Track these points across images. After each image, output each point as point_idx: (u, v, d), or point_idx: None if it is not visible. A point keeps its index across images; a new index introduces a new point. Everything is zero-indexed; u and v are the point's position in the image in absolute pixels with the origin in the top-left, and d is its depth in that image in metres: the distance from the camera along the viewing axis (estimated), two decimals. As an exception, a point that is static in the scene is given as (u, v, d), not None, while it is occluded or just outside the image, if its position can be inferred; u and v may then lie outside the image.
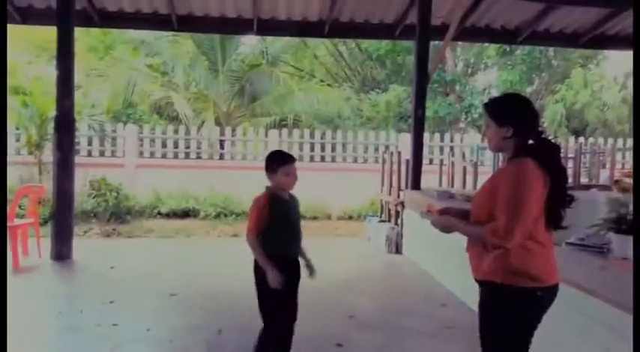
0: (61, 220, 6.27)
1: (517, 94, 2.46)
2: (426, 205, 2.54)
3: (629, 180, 2.82)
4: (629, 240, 2.72)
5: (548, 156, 2.11)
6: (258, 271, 2.99)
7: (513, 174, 2.08)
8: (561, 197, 2.13)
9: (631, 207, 2.74)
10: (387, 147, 10.95)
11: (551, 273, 2.16)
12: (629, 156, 11.89)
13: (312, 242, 8.32)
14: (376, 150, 11.29)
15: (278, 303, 2.97)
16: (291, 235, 3.04)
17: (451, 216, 2.34)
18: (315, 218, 9.54)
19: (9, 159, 9.68)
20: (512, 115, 2.15)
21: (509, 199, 2.03)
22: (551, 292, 2.17)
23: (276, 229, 2.94)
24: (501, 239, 2.03)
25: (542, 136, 2.16)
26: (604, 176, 8.86)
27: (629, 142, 12.06)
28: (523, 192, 2.01)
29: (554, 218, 2.13)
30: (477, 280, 2.24)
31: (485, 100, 2.36)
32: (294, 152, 11.05)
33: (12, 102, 10.00)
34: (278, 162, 2.94)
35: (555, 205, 2.11)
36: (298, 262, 3.11)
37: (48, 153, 8.92)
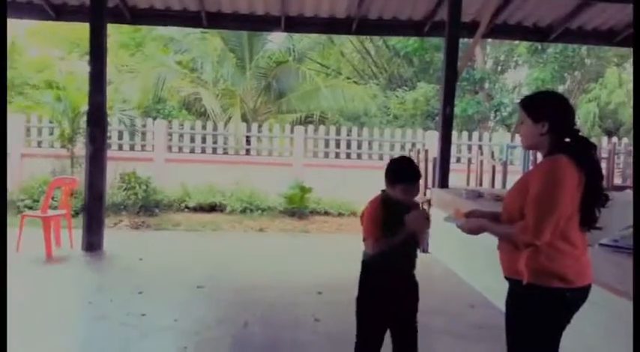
0: (92, 212, 6.42)
1: (554, 91, 2.44)
2: (453, 210, 2.51)
3: (667, 181, 2.74)
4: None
5: (584, 153, 2.06)
6: (365, 282, 2.68)
7: (546, 171, 2.04)
8: (596, 196, 2.08)
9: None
10: (413, 145, 10.86)
11: (583, 275, 2.10)
12: (665, 157, 11.52)
13: (339, 238, 8.38)
14: (402, 147, 11.21)
15: (380, 325, 2.64)
16: (403, 245, 2.55)
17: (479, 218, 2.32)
18: (340, 215, 9.54)
19: (43, 151, 10.01)
20: (549, 111, 2.10)
21: (539, 196, 1.99)
22: (581, 293, 2.11)
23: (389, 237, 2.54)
24: (531, 236, 2.00)
25: (579, 134, 2.11)
26: (638, 177, 8.61)
27: (665, 143, 11.69)
28: (555, 189, 1.97)
29: (588, 217, 2.08)
30: (506, 278, 2.20)
31: (517, 99, 2.34)
32: (320, 149, 11.08)
33: (46, 96, 10.30)
34: (399, 177, 2.57)
35: (590, 204, 2.06)
36: (414, 278, 2.70)
37: (80, 147, 9.15)
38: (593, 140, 11.70)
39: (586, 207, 2.05)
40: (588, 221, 2.10)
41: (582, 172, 2.02)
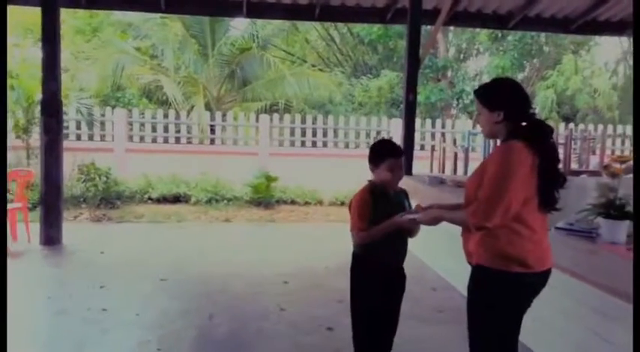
0: (50, 205, 6.21)
1: (506, 78, 2.48)
2: (415, 207, 2.56)
3: (619, 165, 2.82)
4: (618, 225, 2.74)
5: (540, 137, 2.11)
6: (355, 273, 2.64)
7: (499, 156, 2.09)
8: (554, 178, 2.13)
9: (620, 192, 2.75)
10: (378, 133, 10.94)
11: (543, 260, 2.14)
12: (619, 142, 12.00)
13: (305, 227, 8.37)
14: (368, 135, 11.27)
15: (371, 314, 2.60)
16: (393, 238, 2.52)
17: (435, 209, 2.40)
18: (306, 203, 9.54)
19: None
20: (502, 99, 2.16)
21: (491, 180, 2.04)
22: (541, 278, 2.16)
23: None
24: (480, 219, 2.05)
25: (535, 118, 2.17)
26: (594, 162, 8.93)
27: (619, 129, 12.15)
28: (506, 173, 2.02)
29: (547, 199, 2.12)
30: (469, 263, 2.25)
31: (476, 87, 2.36)
32: (285, 138, 11.02)
33: (-2, 85, 9.84)
34: (382, 154, 2.56)
35: (548, 186, 2.11)
36: (403, 271, 2.69)
37: (36, 137, 8.81)
38: (552, 125, 12.11)
39: (544, 189, 2.09)
40: (548, 202, 2.14)
41: (537, 156, 2.06)
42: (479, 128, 2.30)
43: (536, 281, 2.15)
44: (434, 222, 2.33)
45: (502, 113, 2.13)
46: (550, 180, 2.11)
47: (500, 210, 2.02)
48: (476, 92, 2.24)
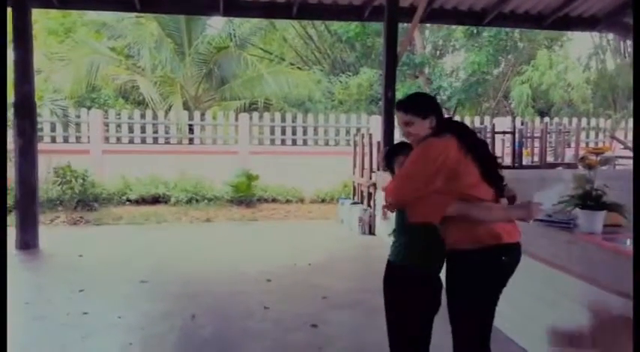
0: (25, 208, 6.09)
1: (421, 92, 2.73)
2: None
3: (594, 157, 2.88)
4: (594, 215, 2.79)
5: (466, 129, 2.38)
6: (393, 280, 2.42)
7: (419, 150, 2.29)
8: (489, 158, 2.34)
9: (596, 183, 2.80)
10: (358, 130, 10.97)
11: (509, 233, 2.26)
12: (593, 135, 12.26)
13: (287, 225, 8.36)
14: (347, 132, 11.30)
15: (412, 329, 2.39)
16: (436, 243, 2.31)
17: None
18: (288, 201, 9.53)
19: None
20: (432, 106, 2.38)
21: (406, 167, 2.29)
22: (514, 251, 2.28)
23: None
24: (387, 195, 2.28)
25: (448, 118, 2.50)
26: (569, 155, 9.10)
27: (593, 122, 12.42)
28: (418, 162, 2.25)
29: (492, 178, 2.29)
30: (449, 251, 2.33)
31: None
32: (265, 136, 10.98)
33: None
34: (397, 151, 2.55)
35: (486, 166, 2.28)
36: (441, 281, 2.42)
37: (9, 140, 8.60)
38: (527, 120, 12.24)
39: (485, 169, 2.27)
40: (495, 181, 2.30)
41: (466, 145, 2.25)
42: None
43: (510, 254, 2.27)
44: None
45: (434, 118, 2.34)
46: (487, 161, 2.30)
47: (408, 187, 2.24)
48: (405, 106, 2.38)
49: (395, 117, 2.53)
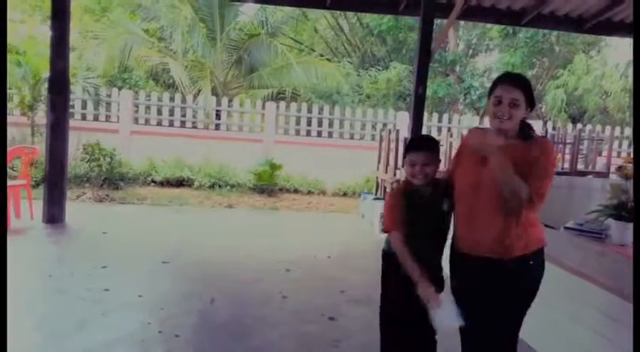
0: (54, 183, 6.20)
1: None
2: None
3: (632, 166, 2.80)
4: (629, 227, 2.71)
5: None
6: (384, 274, 2.47)
7: (551, 149, 2.13)
8: None
9: (631, 194, 2.72)
10: (384, 125, 10.88)
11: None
12: (626, 144, 11.93)
13: (308, 216, 8.37)
14: (373, 127, 11.22)
15: (397, 323, 2.41)
16: (417, 236, 2.31)
17: None
18: (309, 193, 9.53)
19: None
20: (533, 98, 2.16)
21: (550, 170, 2.08)
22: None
23: (408, 228, 2.32)
24: (533, 203, 2.02)
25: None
26: (600, 163, 8.88)
27: (627, 131, 12.08)
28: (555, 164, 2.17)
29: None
30: (485, 258, 2.13)
31: (487, 82, 2.33)
32: (291, 126, 10.97)
33: (5, 61, 9.78)
34: (405, 149, 2.45)
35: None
36: (440, 274, 2.41)
37: (41, 115, 8.79)
38: (559, 126, 11.97)
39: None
40: None
41: None
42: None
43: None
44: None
45: (529, 109, 2.14)
46: None
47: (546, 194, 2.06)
48: (521, 83, 2.11)
49: (496, 91, 2.10)
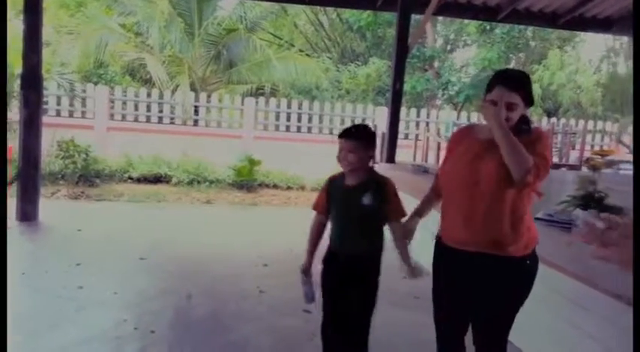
0: (27, 180, 6.09)
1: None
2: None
3: (600, 159, 2.86)
4: (595, 217, 2.78)
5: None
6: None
7: (546, 137, 2.13)
8: None
9: (599, 186, 2.79)
10: (363, 120, 10.92)
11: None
12: (599, 138, 12.19)
13: (287, 211, 8.36)
14: (353, 122, 11.24)
15: (324, 305, 2.72)
16: (341, 223, 2.53)
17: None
18: (289, 188, 9.52)
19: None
20: (532, 95, 2.09)
21: (546, 151, 2.05)
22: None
23: (331, 218, 2.57)
24: (538, 169, 1.98)
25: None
26: (573, 156, 9.06)
27: (600, 125, 12.34)
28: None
29: None
30: (486, 254, 2.08)
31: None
32: (270, 122, 10.95)
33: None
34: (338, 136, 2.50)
35: None
36: (360, 264, 2.55)
37: (15, 111, 8.59)
38: (534, 119, 12.15)
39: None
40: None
41: None
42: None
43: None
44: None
45: (526, 107, 2.05)
46: None
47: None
48: (520, 84, 2.00)
49: (493, 93, 2.00)
